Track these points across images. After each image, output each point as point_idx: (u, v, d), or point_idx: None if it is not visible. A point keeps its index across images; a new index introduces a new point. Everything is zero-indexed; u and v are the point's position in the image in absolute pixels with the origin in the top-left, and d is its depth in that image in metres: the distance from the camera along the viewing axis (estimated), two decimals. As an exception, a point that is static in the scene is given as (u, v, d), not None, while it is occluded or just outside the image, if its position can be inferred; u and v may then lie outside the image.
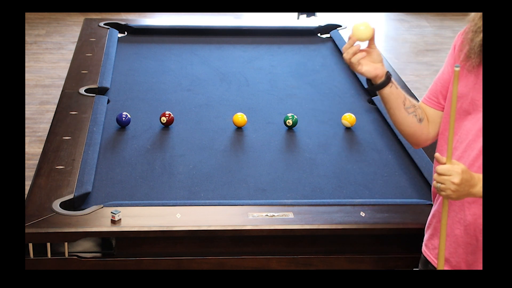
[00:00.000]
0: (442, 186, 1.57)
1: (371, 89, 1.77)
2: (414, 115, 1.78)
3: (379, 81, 1.74)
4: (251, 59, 3.34)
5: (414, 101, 1.80)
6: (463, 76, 1.68)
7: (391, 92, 1.75)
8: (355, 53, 1.69)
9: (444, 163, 1.58)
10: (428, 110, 1.81)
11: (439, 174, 1.57)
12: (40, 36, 5.60)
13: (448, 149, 1.58)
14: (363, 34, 1.69)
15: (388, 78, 1.74)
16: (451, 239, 1.73)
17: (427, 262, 1.81)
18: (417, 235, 1.98)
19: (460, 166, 1.56)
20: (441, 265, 1.65)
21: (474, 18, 1.64)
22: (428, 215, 1.99)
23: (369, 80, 1.76)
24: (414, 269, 2.02)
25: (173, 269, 1.96)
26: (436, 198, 1.80)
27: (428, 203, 2.09)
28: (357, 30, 1.69)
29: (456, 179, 1.55)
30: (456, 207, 1.71)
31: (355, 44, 1.69)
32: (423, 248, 1.84)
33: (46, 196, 2.05)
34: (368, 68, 1.72)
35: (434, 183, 1.60)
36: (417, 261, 1.99)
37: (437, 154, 1.61)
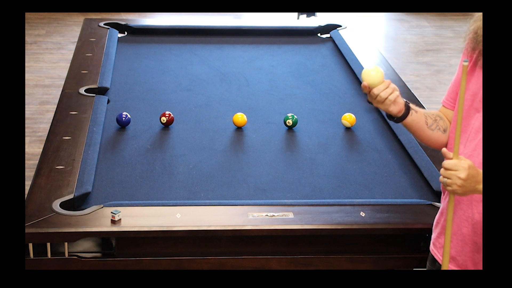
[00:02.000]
0: (449, 181, 1.58)
1: (393, 121, 1.80)
2: (438, 129, 1.80)
3: (400, 114, 1.76)
4: (251, 59, 3.34)
5: (434, 115, 1.81)
6: (475, 74, 1.69)
7: (413, 119, 1.78)
8: (390, 93, 1.70)
9: (451, 158, 1.59)
10: (449, 113, 1.82)
11: (446, 169, 1.58)
12: (40, 36, 5.61)
13: (455, 145, 1.59)
14: (374, 79, 1.69)
15: (408, 109, 1.76)
16: (458, 237, 1.73)
17: (434, 260, 1.81)
18: (417, 235, 1.99)
19: (466, 162, 1.58)
20: (445, 265, 1.65)
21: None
22: (429, 215, 1.99)
23: (389, 114, 1.78)
24: (414, 268, 2.02)
25: (173, 269, 1.96)
26: (444, 196, 1.80)
27: (428, 203, 2.09)
28: (368, 76, 1.70)
29: (463, 174, 1.56)
30: (464, 206, 1.71)
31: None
32: (431, 247, 1.84)
33: (46, 196, 2.05)
34: (395, 105, 1.74)
35: (440, 178, 1.61)
36: (417, 261, 2.00)
37: (444, 149, 1.62)
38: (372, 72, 1.70)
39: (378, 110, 2.76)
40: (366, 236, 2.01)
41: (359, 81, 3.03)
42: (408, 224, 1.99)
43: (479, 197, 1.66)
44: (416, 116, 1.78)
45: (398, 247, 2.02)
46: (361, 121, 2.68)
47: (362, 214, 2.02)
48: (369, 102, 1.79)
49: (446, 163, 1.59)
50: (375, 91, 1.71)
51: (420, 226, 1.97)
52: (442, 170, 1.60)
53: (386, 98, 1.71)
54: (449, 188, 1.59)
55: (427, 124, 1.79)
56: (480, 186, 1.59)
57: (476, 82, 1.68)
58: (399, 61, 5.25)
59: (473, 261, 1.73)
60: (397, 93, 1.72)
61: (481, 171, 1.60)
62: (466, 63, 1.55)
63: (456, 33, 5.83)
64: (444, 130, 1.81)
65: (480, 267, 1.71)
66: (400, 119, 1.77)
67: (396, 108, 1.74)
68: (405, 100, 1.77)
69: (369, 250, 2.01)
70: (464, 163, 1.57)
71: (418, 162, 2.34)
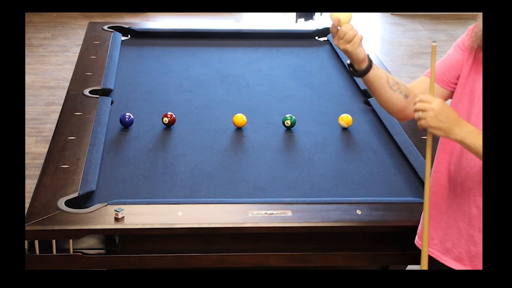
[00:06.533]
0: (422, 114, 1.58)
1: (356, 75, 1.72)
2: (399, 92, 1.75)
3: (364, 65, 1.70)
4: (251, 62, 3.36)
5: (395, 77, 1.77)
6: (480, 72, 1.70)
7: (375, 74, 1.71)
8: (357, 32, 1.65)
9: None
10: (427, 80, 1.77)
11: (421, 101, 1.59)
12: (46, 39, 5.65)
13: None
14: (345, 15, 1.64)
15: (370, 61, 1.71)
16: (454, 230, 1.75)
17: (432, 259, 1.81)
18: (412, 232, 1.99)
19: (441, 100, 1.59)
20: (424, 265, 1.68)
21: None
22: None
23: (352, 67, 1.72)
24: (409, 265, 2.04)
25: (174, 265, 1.98)
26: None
27: (422, 201, 2.11)
28: (337, 13, 1.64)
29: (435, 105, 1.57)
30: (462, 200, 1.72)
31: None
32: (416, 239, 1.88)
33: (51, 195, 2.06)
34: (361, 48, 1.68)
35: (415, 114, 1.60)
36: (411, 257, 2.00)
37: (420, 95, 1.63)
38: (340, 13, 1.64)
39: (374, 111, 2.79)
40: (362, 233, 2.03)
41: (356, 83, 3.04)
42: (403, 222, 2.01)
43: (477, 191, 1.69)
44: (378, 72, 1.71)
45: (393, 244, 2.03)
46: (358, 121, 2.69)
47: (359, 212, 2.03)
48: (349, 68, 1.72)
49: (421, 95, 1.60)
50: (344, 28, 1.63)
51: (415, 224, 1.96)
52: (417, 104, 1.60)
53: (355, 36, 1.64)
54: (423, 121, 1.58)
55: (388, 84, 1.73)
56: (458, 129, 1.58)
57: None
58: (395, 64, 5.29)
59: (468, 253, 1.74)
60: (362, 35, 1.67)
61: (457, 115, 1.60)
62: (435, 44, 1.58)
63: (449, 37, 5.87)
64: (406, 96, 1.75)
65: (475, 260, 1.73)
66: (365, 71, 1.69)
67: (362, 53, 1.67)
68: (367, 53, 1.72)
69: (365, 247, 2.03)
70: (438, 99, 1.59)
71: (412, 162, 2.35)
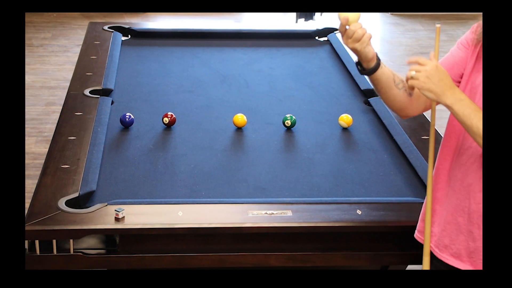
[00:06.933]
0: (416, 74, 1.59)
1: (364, 73, 1.73)
2: (405, 90, 1.76)
3: (372, 63, 1.71)
4: (251, 62, 3.37)
5: (400, 75, 1.78)
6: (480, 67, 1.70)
7: (383, 72, 1.73)
8: (366, 31, 1.66)
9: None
10: None
11: (417, 63, 1.61)
12: (46, 39, 5.67)
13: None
14: (353, 14, 1.65)
15: (379, 60, 1.72)
16: (453, 226, 1.76)
17: (432, 257, 1.82)
18: (412, 232, 2.01)
19: (437, 63, 1.60)
20: (426, 265, 1.69)
21: None
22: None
23: (360, 66, 1.73)
24: (409, 265, 2.05)
25: (174, 265, 1.99)
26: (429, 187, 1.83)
27: (422, 201, 2.11)
28: (345, 13, 1.65)
29: (429, 67, 1.59)
30: (461, 195, 1.73)
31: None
32: (416, 233, 1.88)
33: (52, 195, 2.07)
34: (370, 47, 1.69)
35: (408, 73, 1.61)
36: (411, 257, 2.01)
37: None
38: (349, 13, 1.65)
39: (374, 111, 2.79)
40: (362, 233, 2.04)
41: (356, 83, 3.05)
42: (403, 222, 2.02)
43: (477, 187, 1.69)
44: (386, 70, 1.73)
45: (393, 244, 2.04)
46: (358, 121, 2.70)
47: (359, 212, 2.04)
48: (357, 67, 1.73)
49: (419, 58, 1.62)
50: (353, 27, 1.65)
51: (414, 224, 1.97)
52: (413, 63, 1.61)
53: (364, 35, 1.66)
54: (415, 81, 1.58)
55: (394, 82, 1.75)
56: (449, 94, 1.58)
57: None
58: (395, 64, 5.30)
59: (467, 249, 1.75)
60: (371, 34, 1.68)
61: (452, 81, 1.61)
62: (439, 25, 1.62)
63: (449, 37, 5.88)
64: (410, 94, 1.77)
65: (474, 256, 1.74)
66: (373, 70, 1.71)
67: (371, 52, 1.69)
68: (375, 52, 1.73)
69: (365, 247, 2.04)
70: (434, 62, 1.60)
71: (412, 162, 2.36)
